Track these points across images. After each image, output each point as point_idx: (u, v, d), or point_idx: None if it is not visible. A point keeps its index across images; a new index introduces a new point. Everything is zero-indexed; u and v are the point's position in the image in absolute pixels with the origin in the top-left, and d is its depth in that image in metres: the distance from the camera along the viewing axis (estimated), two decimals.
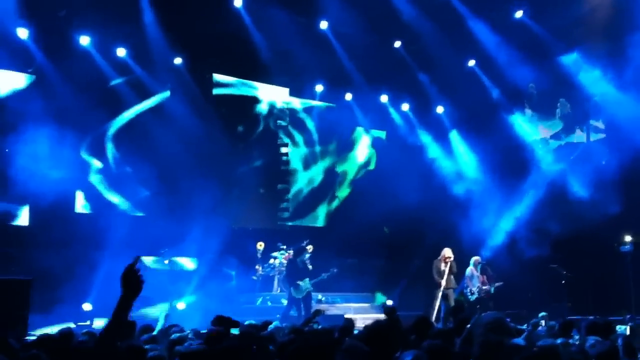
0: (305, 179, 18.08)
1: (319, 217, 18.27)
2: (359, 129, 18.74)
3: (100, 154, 14.57)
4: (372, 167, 18.96)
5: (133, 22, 13.96)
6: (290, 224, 17.50)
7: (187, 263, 14.69)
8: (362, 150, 18.98)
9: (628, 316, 10.66)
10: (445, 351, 4.46)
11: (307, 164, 18.17)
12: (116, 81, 14.56)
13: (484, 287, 14.01)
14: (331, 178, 18.59)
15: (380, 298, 16.77)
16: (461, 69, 17.16)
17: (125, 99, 14.86)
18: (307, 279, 13.14)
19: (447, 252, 14.16)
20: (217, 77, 16.56)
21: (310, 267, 14.19)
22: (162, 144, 14.41)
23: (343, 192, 18.67)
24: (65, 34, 13.72)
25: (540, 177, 16.15)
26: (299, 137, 18.10)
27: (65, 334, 6.20)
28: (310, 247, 14.88)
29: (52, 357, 4.67)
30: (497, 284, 14.03)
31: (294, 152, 17.95)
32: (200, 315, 12.15)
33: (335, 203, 18.46)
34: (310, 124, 18.20)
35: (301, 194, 17.98)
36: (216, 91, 16.54)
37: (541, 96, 17.61)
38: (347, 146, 18.81)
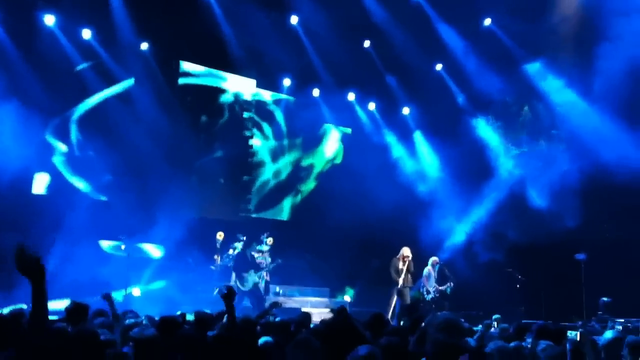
0: (271, 172, 18.02)
1: (284, 210, 18.24)
2: (328, 125, 18.73)
3: (64, 137, 14.29)
4: (338, 161, 18.97)
5: (100, 3, 13.75)
6: (254, 215, 17.44)
7: (150, 250, 14.55)
8: (331, 145, 18.98)
9: (579, 322, 10.86)
10: (400, 349, 4.49)
11: (275, 156, 18.10)
12: (82, 66, 14.29)
13: (439, 287, 14.16)
14: (298, 172, 18.58)
15: (350, 292, 17.07)
16: (429, 72, 17.34)
17: (91, 84, 14.58)
18: (253, 271, 13.06)
19: (406, 251, 14.33)
20: (185, 65, 16.38)
21: (267, 260, 14.22)
22: (127, 130, 14.22)
23: (308, 185, 18.67)
24: (30, 12, 13.43)
25: (501, 182, 16.42)
26: (267, 129, 18.02)
27: (16, 314, 6.08)
28: (270, 240, 14.85)
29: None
30: (450, 284, 14.17)
31: (262, 145, 17.88)
32: (157, 303, 12.11)
33: (299, 197, 18.46)
34: (279, 117, 18.13)
35: (267, 186, 17.90)
36: (182, 80, 16.35)
37: (505, 103, 17.89)
38: (315, 140, 18.78)
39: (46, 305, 3.38)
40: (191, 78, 16.52)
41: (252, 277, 12.98)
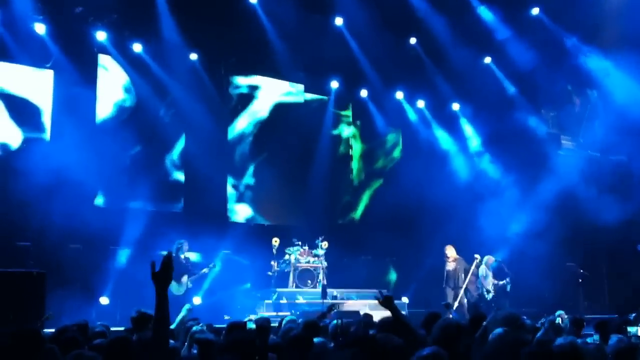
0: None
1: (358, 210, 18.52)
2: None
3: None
4: (394, 161, 18.92)
5: (148, 18, 14.03)
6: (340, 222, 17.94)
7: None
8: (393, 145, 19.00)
9: (634, 314, 10.52)
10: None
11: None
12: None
13: (499, 283, 13.96)
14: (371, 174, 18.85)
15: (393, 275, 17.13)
16: (477, 65, 17.08)
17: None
18: (186, 276, 12.65)
19: (449, 251, 14.33)
20: (238, 80, 16.64)
21: (323, 263, 14.24)
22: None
23: (373, 186, 18.74)
24: (82, 29, 13.80)
25: (557, 174, 16.04)
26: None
27: (81, 325, 6.26)
28: (325, 244, 14.93)
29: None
30: (508, 280, 13.96)
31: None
32: (215, 310, 12.29)
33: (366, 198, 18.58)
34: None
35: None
36: (235, 91, 16.64)
37: (558, 94, 17.52)
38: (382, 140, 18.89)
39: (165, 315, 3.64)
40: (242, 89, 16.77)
41: (186, 282, 12.63)
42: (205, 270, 13.22)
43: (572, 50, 16.12)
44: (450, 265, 14.41)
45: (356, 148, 18.82)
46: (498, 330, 4.32)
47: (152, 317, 6.39)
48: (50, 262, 11.59)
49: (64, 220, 11.87)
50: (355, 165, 18.72)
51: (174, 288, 12.53)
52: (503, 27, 16.20)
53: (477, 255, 14.20)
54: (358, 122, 18.65)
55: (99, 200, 14.07)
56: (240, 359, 4.33)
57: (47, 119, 13.60)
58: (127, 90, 14.83)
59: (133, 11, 14.13)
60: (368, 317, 7.27)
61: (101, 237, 12.70)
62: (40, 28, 13.19)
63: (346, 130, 18.60)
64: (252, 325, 6.37)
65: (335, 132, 18.26)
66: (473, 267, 14.11)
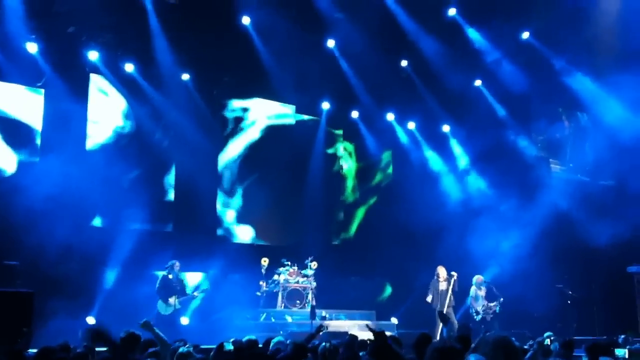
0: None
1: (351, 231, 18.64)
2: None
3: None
4: (386, 182, 18.95)
5: (141, 38, 14.09)
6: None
7: (193, 278, 14.73)
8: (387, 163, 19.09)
9: (622, 337, 10.54)
10: None
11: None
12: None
13: (490, 304, 13.98)
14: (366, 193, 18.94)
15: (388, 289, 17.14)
16: (468, 88, 17.20)
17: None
18: (175, 296, 12.63)
19: (442, 270, 14.40)
20: (231, 101, 16.75)
21: (312, 284, 14.23)
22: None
23: (361, 209, 18.79)
24: (74, 49, 13.83)
25: (546, 199, 16.11)
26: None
27: (64, 346, 6.23)
28: (314, 264, 14.93)
29: None
30: (500, 300, 13.99)
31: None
32: (204, 330, 12.21)
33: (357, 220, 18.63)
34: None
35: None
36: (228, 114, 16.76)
37: (548, 117, 17.67)
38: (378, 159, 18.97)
39: None
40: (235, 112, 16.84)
41: (174, 302, 12.59)
42: (195, 293, 13.24)
43: (563, 72, 16.28)
44: (442, 285, 14.46)
45: (351, 166, 18.86)
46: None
47: (140, 337, 6.42)
48: (39, 281, 11.51)
49: (54, 240, 11.82)
50: (349, 183, 18.76)
51: (162, 308, 12.51)
52: (493, 49, 16.37)
53: (453, 273, 14.32)
54: (352, 141, 18.74)
55: (97, 221, 14.15)
56: None
57: (38, 138, 13.59)
58: (119, 111, 14.87)
59: (126, 31, 14.19)
60: (353, 337, 7.24)
61: (92, 256, 12.68)
62: (32, 47, 13.20)
63: (341, 149, 18.68)
64: (230, 347, 6.35)
65: (330, 150, 18.35)
66: (451, 284, 14.21)
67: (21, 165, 13.26)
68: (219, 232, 16.12)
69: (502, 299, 13.94)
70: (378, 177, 18.98)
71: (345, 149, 18.84)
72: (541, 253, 15.01)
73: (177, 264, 12.85)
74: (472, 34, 16.17)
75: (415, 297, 15.35)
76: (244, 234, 16.54)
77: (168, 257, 12.94)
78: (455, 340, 5.69)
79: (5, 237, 12.15)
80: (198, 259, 14.03)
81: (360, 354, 6.07)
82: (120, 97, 14.78)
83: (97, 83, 14.58)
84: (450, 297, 14.27)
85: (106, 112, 14.73)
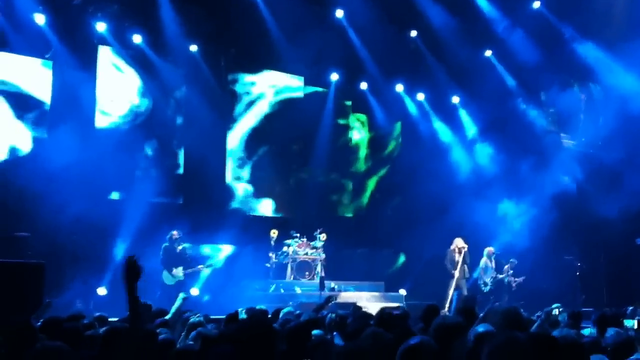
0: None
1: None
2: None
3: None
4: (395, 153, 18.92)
5: (148, 9, 14.01)
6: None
7: (205, 250, 14.85)
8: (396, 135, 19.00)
9: (630, 308, 10.54)
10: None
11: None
12: None
13: (499, 276, 14.01)
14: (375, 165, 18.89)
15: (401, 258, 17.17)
16: (478, 59, 17.03)
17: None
18: (181, 267, 12.85)
19: (460, 242, 14.30)
20: (239, 73, 16.68)
21: (321, 255, 14.28)
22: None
23: (371, 181, 18.76)
24: (82, 20, 13.77)
25: (555, 171, 16.03)
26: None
27: (75, 316, 6.27)
28: (323, 236, 14.97)
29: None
30: (518, 279, 14.04)
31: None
32: (214, 301, 12.31)
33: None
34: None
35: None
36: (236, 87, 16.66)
37: (559, 87, 17.49)
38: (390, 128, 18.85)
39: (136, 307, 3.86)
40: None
41: (178, 273, 12.78)
42: (201, 266, 13.34)
43: (574, 42, 16.08)
44: (457, 257, 14.34)
45: (363, 136, 18.80)
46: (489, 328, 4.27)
47: (151, 306, 6.47)
48: (49, 252, 11.60)
49: (65, 211, 11.88)
50: (362, 153, 18.72)
51: (166, 278, 12.64)
52: (503, 19, 16.17)
53: (464, 245, 14.24)
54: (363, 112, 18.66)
55: (114, 195, 14.29)
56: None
57: (48, 111, 13.59)
58: (128, 83, 14.83)
59: (133, 2, 14.10)
60: (357, 308, 7.31)
61: (105, 229, 12.76)
62: (39, 18, 13.14)
63: (354, 120, 18.65)
64: (244, 316, 6.40)
65: (341, 121, 18.25)
66: (461, 256, 14.15)
67: (31, 140, 13.27)
68: (230, 205, 16.16)
69: (517, 279, 13.99)
70: (391, 145, 18.86)
71: (358, 119, 18.72)
72: (550, 225, 14.96)
73: (175, 232, 12.94)
74: (482, 3, 15.97)
75: (424, 269, 15.37)
76: (254, 206, 16.58)
77: (177, 228, 13.02)
78: (460, 312, 5.71)
79: (18, 209, 12.22)
80: (207, 231, 14.09)
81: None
82: (129, 68, 14.73)
83: (106, 55, 14.52)
84: (465, 269, 14.21)
85: (115, 84, 14.68)
